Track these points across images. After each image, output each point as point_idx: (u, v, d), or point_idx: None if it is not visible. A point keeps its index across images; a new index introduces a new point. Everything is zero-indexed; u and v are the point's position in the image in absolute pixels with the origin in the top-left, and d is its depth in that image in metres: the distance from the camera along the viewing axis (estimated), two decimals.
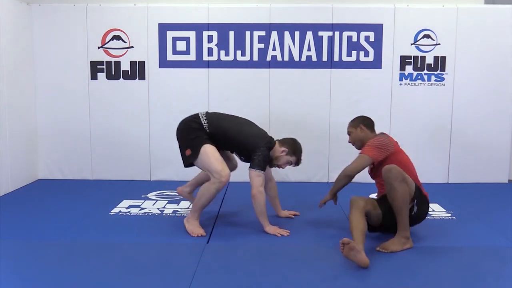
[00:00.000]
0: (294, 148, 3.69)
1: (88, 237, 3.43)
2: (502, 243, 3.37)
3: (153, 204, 4.26)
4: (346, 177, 3.59)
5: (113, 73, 5.07)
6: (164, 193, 4.64)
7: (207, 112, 3.68)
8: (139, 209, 4.11)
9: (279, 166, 3.72)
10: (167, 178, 5.13)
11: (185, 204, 4.26)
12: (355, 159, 3.55)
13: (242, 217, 3.92)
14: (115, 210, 4.07)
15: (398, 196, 3.17)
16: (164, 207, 4.17)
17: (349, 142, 3.81)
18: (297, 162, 3.74)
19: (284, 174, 5.19)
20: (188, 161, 3.56)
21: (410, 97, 5.06)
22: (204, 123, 3.57)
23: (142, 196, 4.53)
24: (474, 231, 3.63)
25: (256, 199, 3.49)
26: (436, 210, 4.12)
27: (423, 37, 5.03)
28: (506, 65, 5.06)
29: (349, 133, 3.81)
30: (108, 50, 5.06)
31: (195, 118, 3.62)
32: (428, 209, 3.46)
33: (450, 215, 4.01)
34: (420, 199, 3.34)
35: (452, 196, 4.44)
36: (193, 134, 3.55)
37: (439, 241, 3.40)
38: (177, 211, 4.06)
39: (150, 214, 3.98)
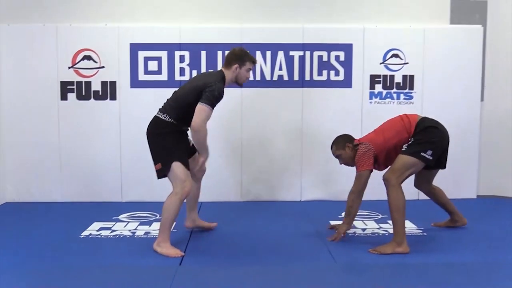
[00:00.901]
0: (239, 57, 3.59)
1: (58, 261, 3.34)
2: (472, 258, 3.42)
3: (125, 226, 4.20)
4: (360, 196, 3.70)
5: (83, 93, 5.02)
6: (136, 215, 4.58)
7: (159, 109, 3.58)
8: (110, 231, 4.04)
9: (246, 80, 3.68)
10: (139, 199, 5.06)
11: (157, 225, 4.19)
12: (357, 179, 3.69)
13: (216, 238, 3.88)
14: (86, 233, 3.99)
15: (391, 202, 3.48)
16: (135, 229, 4.11)
17: (341, 164, 3.91)
18: (253, 62, 3.66)
19: (256, 193, 5.18)
20: (159, 175, 3.50)
21: (380, 115, 5.07)
22: (165, 117, 3.48)
23: (113, 218, 4.45)
24: (445, 247, 3.67)
25: (196, 132, 3.37)
26: (407, 226, 4.15)
27: (391, 57, 5.14)
28: (474, 83, 5.21)
29: (338, 156, 3.90)
30: (79, 70, 5.01)
31: (156, 120, 3.52)
32: (436, 131, 3.60)
33: (421, 231, 4.06)
34: (419, 131, 3.58)
35: (422, 213, 4.50)
36: (162, 143, 3.45)
37: (410, 257, 3.42)
38: (149, 232, 4.01)
39: (122, 236, 3.91)
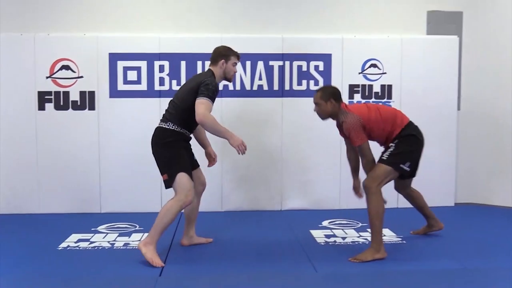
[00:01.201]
0: (224, 53, 3.67)
1: (35, 273, 3.28)
2: (451, 265, 3.46)
3: (104, 238, 4.15)
4: (374, 162, 3.67)
5: (61, 104, 4.97)
6: (115, 226, 4.53)
7: (161, 120, 3.60)
8: (89, 243, 3.99)
9: (234, 74, 3.75)
10: (118, 210, 5.01)
11: (137, 236, 4.17)
12: (361, 152, 3.66)
13: (197, 248, 3.85)
14: (63, 244, 3.93)
15: (370, 209, 3.55)
16: (115, 240, 4.06)
17: (315, 111, 3.78)
18: (237, 57, 3.74)
19: (239, 203, 5.17)
20: (167, 185, 3.52)
21: None
22: (168, 126, 3.51)
23: (92, 229, 4.40)
24: (424, 254, 3.70)
25: (204, 123, 3.39)
26: (387, 235, 4.19)
27: (370, 67, 5.20)
28: (451, 92, 5.29)
29: (316, 104, 3.75)
30: (57, 80, 4.96)
31: (160, 130, 3.54)
32: (417, 142, 3.71)
33: (400, 239, 4.09)
34: (401, 137, 3.66)
35: (402, 221, 4.53)
36: (167, 153, 3.48)
37: (390, 265, 3.45)
38: (129, 243, 3.96)
39: (100, 247, 3.86)
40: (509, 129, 5.31)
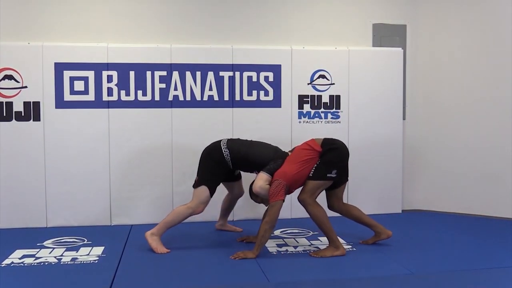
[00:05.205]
0: None
1: None
2: (400, 271, 3.54)
3: (50, 253, 4.01)
4: (272, 228, 3.83)
5: (4, 114, 4.79)
6: (62, 240, 4.39)
7: (228, 140, 4.16)
8: (34, 258, 3.84)
9: None
10: (65, 224, 4.86)
11: (85, 250, 4.06)
12: (270, 208, 3.82)
13: (146, 262, 3.78)
14: (7, 261, 3.77)
15: (314, 218, 3.87)
16: (62, 255, 3.93)
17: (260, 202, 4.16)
18: None
19: None
20: (194, 185, 4.07)
21: (308, 134, 5.22)
22: (225, 152, 4.04)
23: (38, 244, 4.24)
24: (374, 261, 3.78)
25: (258, 194, 3.93)
26: None
27: (318, 77, 5.30)
28: (396, 103, 5.47)
29: (261, 201, 4.14)
30: None
31: (217, 148, 4.08)
32: (337, 152, 3.97)
33: (350, 246, 4.16)
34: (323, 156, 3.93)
35: (351, 228, 4.61)
36: (210, 168, 4.06)
37: (342, 273, 3.50)
38: (76, 258, 3.85)
39: (47, 263, 3.73)
40: (452, 137, 5.53)
